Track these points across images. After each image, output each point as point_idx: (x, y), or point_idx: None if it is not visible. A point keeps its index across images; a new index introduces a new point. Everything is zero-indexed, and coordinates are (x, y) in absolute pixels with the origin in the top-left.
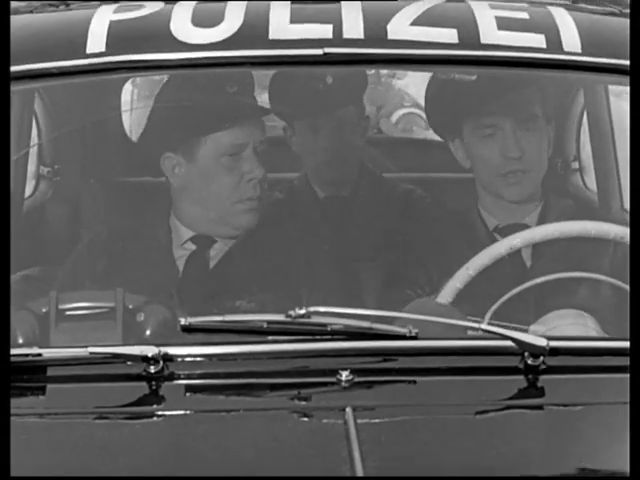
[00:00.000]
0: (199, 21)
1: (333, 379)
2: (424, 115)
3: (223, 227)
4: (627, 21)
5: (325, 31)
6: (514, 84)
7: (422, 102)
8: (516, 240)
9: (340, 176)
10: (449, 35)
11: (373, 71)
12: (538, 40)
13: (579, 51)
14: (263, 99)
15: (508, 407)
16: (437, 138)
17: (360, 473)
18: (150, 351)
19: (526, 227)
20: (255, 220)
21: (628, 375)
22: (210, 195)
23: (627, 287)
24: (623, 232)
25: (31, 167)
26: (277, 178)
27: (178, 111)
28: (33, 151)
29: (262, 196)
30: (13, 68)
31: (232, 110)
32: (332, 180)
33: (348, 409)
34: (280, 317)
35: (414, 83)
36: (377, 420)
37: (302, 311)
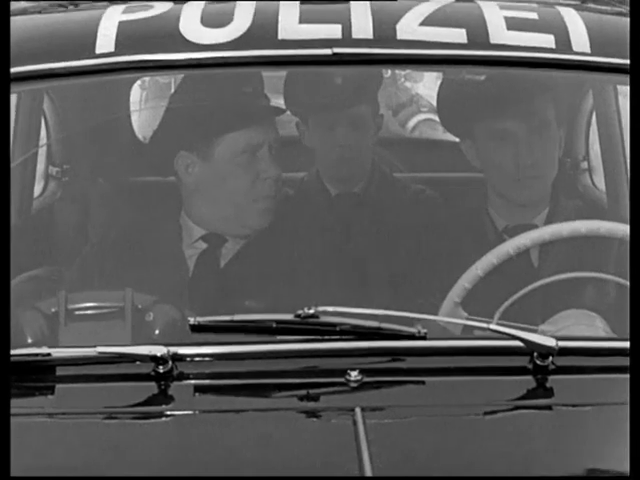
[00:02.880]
0: (208, 21)
1: (342, 379)
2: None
3: (238, 226)
4: None
5: (334, 31)
6: (526, 87)
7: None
8: (525, 240)
9: (352, 174)
10: (458, 35)
11: (389, 73)
12: (547, 40)
13: (588, 51)
14: (277, 102)
15: (517, 407)
16: (447, 138)
17: (369, 473)
18: (159, 351)
19: (535, 227)
20: (270, 219)
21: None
22: (225, 194)
23: None
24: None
25: (40, 167)
26: (288, 177)
27: (192, 111)
28: (42, 151)
29: (277, 195)
30: (22, 68)
31: (247, 110)
32: (344, 177)
33: (357, 409)
34: (289, 317)
35: (430, 87)
36: (386, 420)
37: (311, 311)
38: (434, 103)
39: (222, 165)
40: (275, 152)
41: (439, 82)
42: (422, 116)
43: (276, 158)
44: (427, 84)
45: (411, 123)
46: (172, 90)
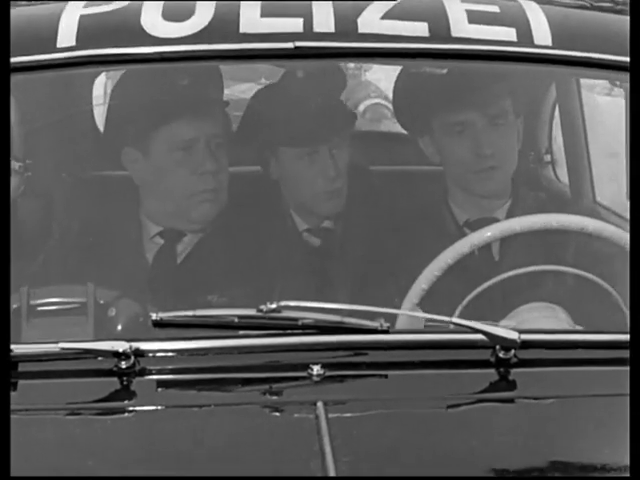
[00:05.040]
0: (170, 15)
1: (304, 373)
2: (391, 107)
3: (181, 221)
4: (597, 14)
5: (296, 25)
6: (484, 79)
7: (391, 95)
8: (482, 236)
9: (333, 207)
10: (420, 28)
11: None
12: (509, 33)
13: (550, 44)
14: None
15: (479, 400)
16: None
17: (331, 467)
18: (121, 346)
19: (496, 221)
20: (212, 213)
21: (599, 368)
22: (166, 189)
23: (596, 279)
24: (588, 224)
25: None
26: (246, 171)
27: (133, 106)
28: None
29: (218, 188)
30: None
31: (182, 104)
32: (322, 213)
33: (319, 403)
34: (251, 312)
35: (383, 77)
36: (348, 414)
37: (273, 305)
38: (385, 90)
39: (160, 161)
40: (215, 146)
41: (390, 70)
42: (372, 101)
43: (216, 152)
44: (381, 75)
45: (362, 106)
46: None
